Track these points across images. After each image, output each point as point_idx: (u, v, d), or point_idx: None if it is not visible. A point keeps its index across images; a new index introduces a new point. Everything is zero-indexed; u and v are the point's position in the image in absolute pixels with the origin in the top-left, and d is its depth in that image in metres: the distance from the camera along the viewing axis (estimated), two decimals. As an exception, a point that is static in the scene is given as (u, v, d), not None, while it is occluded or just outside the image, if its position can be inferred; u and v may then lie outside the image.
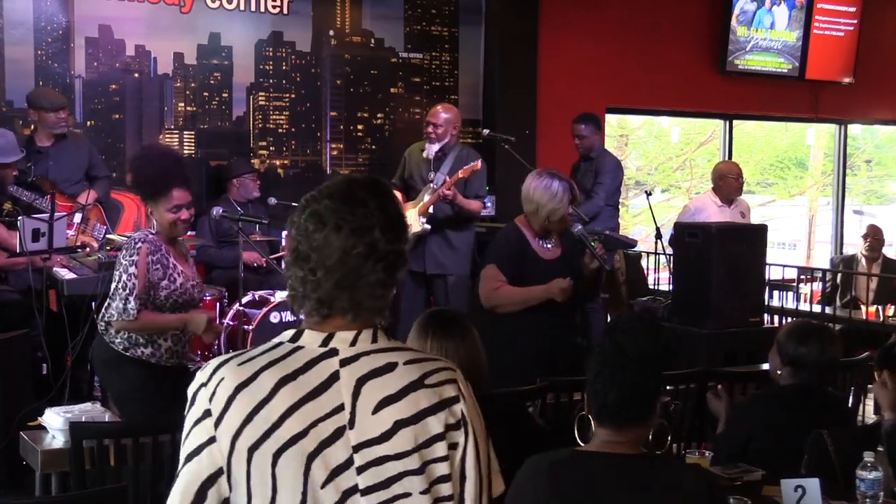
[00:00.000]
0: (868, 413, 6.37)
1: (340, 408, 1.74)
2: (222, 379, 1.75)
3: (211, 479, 1.73)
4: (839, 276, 7.82)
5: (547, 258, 4.74)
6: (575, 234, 4.79)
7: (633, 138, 12.94)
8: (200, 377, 1.78)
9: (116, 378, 4.23)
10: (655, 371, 2.51)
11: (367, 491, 1.73)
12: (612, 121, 10.03)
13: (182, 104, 7.37)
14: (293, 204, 6.68)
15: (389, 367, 1.78)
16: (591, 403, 2.50)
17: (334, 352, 1.77)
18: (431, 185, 6.63)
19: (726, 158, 9.75)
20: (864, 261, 7.90)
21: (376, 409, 1.75)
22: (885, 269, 8.02)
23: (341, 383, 1.75)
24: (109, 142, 7.03)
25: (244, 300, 6.30)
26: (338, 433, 1.73)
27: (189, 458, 1.74)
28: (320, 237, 1.75)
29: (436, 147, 6.69)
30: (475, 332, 3.16)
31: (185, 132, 7.38)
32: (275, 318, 6.27)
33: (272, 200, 7.04)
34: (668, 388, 4.51)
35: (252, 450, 1.71)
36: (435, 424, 1.77)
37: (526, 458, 2.51)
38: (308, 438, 1.71)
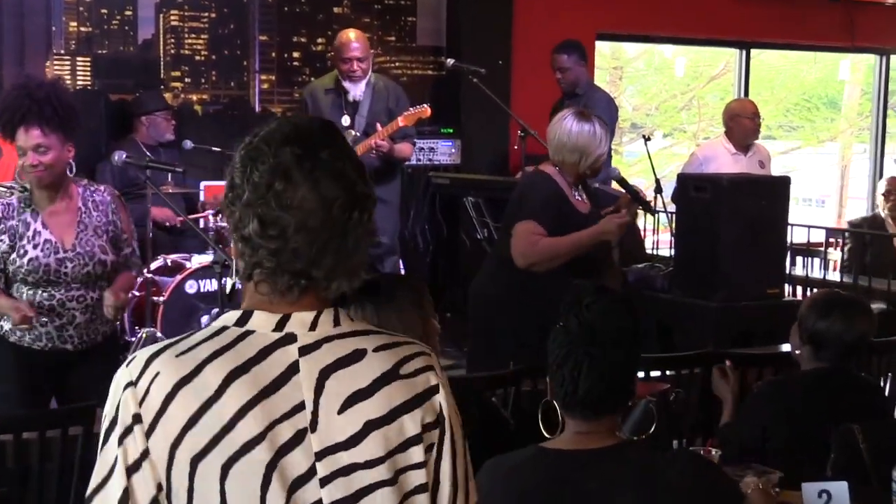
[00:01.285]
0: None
1: (301, 406, 1.71)
2: (157, 374, 1.69)
3: (154, 502, 1.69)
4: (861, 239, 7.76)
5: (583, 211, 4.86)
6: (615, 178, 4.90)
7: (630, 71, 12.95)
8: (125, 374, 1.71)
9: None
10: (630, 351, 2.54)
11: None
12: (604, 49, 10.03)
13: (75, 23, 7.27)
14: (213, 148, 6.63)
15: (357, 356, 1.76)
16: (557, 392, 2.52)
17: (291, 338, 1.74)
18: (353, 132, 6.66)
19: (741, 96, 9.79)
20: (890, 222, 7.87)
21: (343, 408, 1.73)
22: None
23: (301, 377, 1.72)
24: (-17, 70, 6.94)
25: (153, 266, 6.26)
26: (298, 437, 1.70)
27: (122, 476, 1.69)
28: (296, 195, 1.71)
29: (362, 86, 6.73)
30: (415, 296, 3.09)
31: (79, 58, 7.30)
32: (191, 287, 6.25)
33: (188, 144, 6.98)
34: (668, 373, 4.55)
35: (196, 460, 1.67)
36: (411, 424, 1.76)
37: (488, 457, 2.53)
38: (264, 444, 1.68)
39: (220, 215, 6.53)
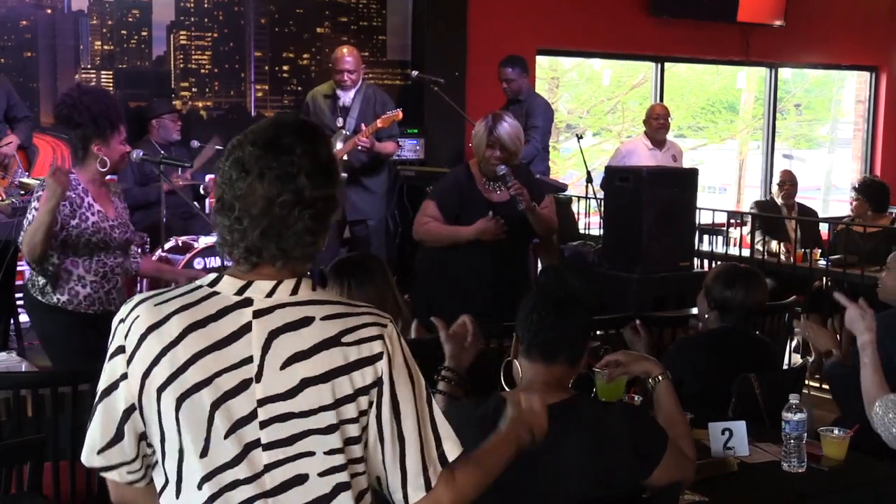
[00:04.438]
0: (794, 358, 6.53)
1: (249, 360, 1.73)
2: (137, 317, 1.77)
3: (126, 415, 1.76)
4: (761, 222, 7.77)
5: (494, 200, 4.74)
6: (498, 173, 4.73)
7: (565, 80, 12.95)
8: (121, 312, 1.80)
9: (39, 323, 4.28)
10: (584, 317, 2.57)
11: (269, 446, 1.72)
12: (543, 63, 10.02)
13: (99, 42, 7.19)
14: (216, 147, 6.62)
15: (305, 322, 1.75)
16: (523, 336, 2.52)
17: (248, 302, 1.75)
18: (343, 131, 6.66)
19: (658, 101, 9.81)
20: (784, 209, 7.91)
21: (285, 365, 1.73)
22: (800, 214, 8.02)
23: (252, 335, 1.73)
24: (21, 81, 6.84)
25: (167, 246, 6.22)
26: (243, 385, 1.72)
27: (105, 392, 1.77)
28: (244, 186, 1.72)
29: (352, 93, 6.73)
30: (384, 272, 3.10)
31: (103, 72, 7.22)
32: (199, 264, 6.22)
33: (195, 143, 6.96)
34: (597, 332, 4.57)
35: (160, 390, 1.73)
36: (346, 385, 1.74)
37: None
38: (211, 388, 1.71)
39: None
